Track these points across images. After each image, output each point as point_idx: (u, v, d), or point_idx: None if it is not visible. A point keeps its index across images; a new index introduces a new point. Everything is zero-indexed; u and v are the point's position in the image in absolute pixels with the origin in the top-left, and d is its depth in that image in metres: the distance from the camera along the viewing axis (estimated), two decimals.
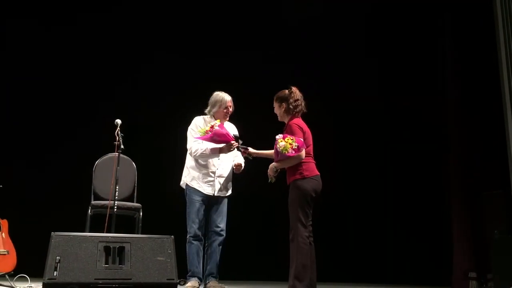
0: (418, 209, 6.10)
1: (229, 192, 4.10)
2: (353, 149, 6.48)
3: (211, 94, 4.16)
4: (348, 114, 6.43)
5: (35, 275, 4.00)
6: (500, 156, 4.92)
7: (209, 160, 4.01)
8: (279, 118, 3.78)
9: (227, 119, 4.12)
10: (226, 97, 4.08)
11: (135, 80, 6.01)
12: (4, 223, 4.05)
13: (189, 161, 4.08)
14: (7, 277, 3.96)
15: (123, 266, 3.31)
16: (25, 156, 5.50)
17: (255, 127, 4.94)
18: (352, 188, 6.43)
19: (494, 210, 4.85)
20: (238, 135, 4.02)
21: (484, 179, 5.07)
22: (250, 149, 3.94)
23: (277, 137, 3.54)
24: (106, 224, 3.81)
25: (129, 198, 4.42)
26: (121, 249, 3.36)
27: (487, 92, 5.18)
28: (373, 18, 6.29)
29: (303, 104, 3.70)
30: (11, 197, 4.31)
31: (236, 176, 4.17)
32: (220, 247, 3.99)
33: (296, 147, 3.46)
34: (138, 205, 4.33)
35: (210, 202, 4.01)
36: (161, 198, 5.46)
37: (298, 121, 3.66)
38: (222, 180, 4.03)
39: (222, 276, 4.09)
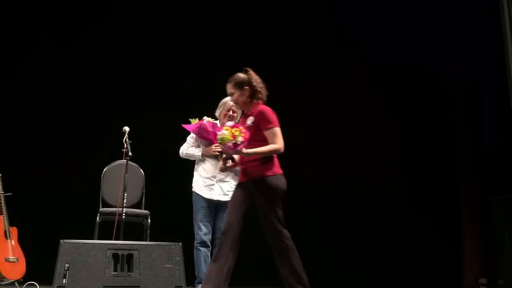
0: (428, 213, 6.07)
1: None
2: (361, 149, 6.45)
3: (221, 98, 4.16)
4: (352, 112, 6.39)
5: (44, 282, 4.02)
6: (511, 160, 4.88)
7: (210, 164, 3.98)
8: (239, 107, 3.36)
9: (227, 122, 4.06)
10: (230, 100, 4.08)
11: (143, 87, 6.03)
12: (14, 230, 4.07)
13: (195, 166, 4.10)
14: (17, 284, 3.98)
15: (131, 273, 3.33)
16: (34, 164, 5.53)
17: None
18: (362, 189, 6.39)
19: (505, 215, 4.81)
20: None
21: (495, 183, 5.03)
22: (231, 162, 3.49)
23: (228, 123, 3.13)
24: (114, 231, 3.82)
25: (137, 205, 4.43)
26: (130, 257, 3.37)
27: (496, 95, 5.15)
28: None
29: (265, 88, 3.27)
30: (20, 205, 4.33)
31: None
32: None
33: (239, 143, 2.97)
34: (146, 212, 4.33)
35: (216, 207, 3.99)
36: (169, 205, 5.47)
37: (269, 108, 3.20)
38: (223, 184, 3.97)
39: (231, 282, 4.07)
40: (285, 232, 3.10)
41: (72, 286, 3.17)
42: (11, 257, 3.95)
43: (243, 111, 3.39)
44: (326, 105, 6.34)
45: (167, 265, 3.39)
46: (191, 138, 4.11)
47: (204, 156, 4.02)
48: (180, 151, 4.10)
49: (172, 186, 5.45)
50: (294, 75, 6.20)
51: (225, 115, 4.04)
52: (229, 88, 3.26)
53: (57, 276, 3.17)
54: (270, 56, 6.06)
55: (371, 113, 6.41)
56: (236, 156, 3.28)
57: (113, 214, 4.01)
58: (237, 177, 3.99)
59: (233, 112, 4.01)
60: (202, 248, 3.90)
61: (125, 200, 3.91)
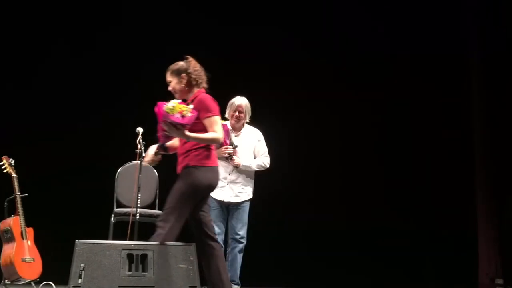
0: (443, 213, 6.03)
1: (243, 198, 4.01)
2: (374, 148, 6.43)
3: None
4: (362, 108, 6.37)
5: (60, 282, 4.06)
6: None
7: (221, 166, 3.97)
8: (177, 96, 3.24)
9: (240, 123, 4.08)
10: (236, 101, 4.07)
11: (156, 88, 6.05)
12: (30, 231, 4.12)
13: None
14: (33, 284, 4.03)
15: (146, 273, 3.33)
16: (49, 166, 5.59)
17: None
18: (377, 188, 6.37)
19: None
20: (232, 142, 4.01)
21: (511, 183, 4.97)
22: (237, 162, 3.84)
23: (175, 100, 3.00)
24: (128, 232, 3.85)
25: (151, 206, 4.46)
26: (144, 257, 3.38)
27: None
28: None
29: (205, 76, 3.21)
30: (36, 206, 4.38)
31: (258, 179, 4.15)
32: (241, 254, 3.97)
33: (188, 116, 2.87)
34: (160, 212, 4.35)
35: (229, 208, 4.00)
36: None
37: (209, 96, 3.12)
38: (234, 186, 3.99)
39: (245, 283, 4.08)
40: (176, 227, 3.05)
41: (88, 286, 3.18)
42: (28, 257, 4.01)
43: (185, 100, 3.24)
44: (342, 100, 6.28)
45: (181, 265, 3.38)
46: None
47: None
48: None
49: None
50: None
51: (232, 116, 4.06)
52: (167, 76, 3.21)
53: (72, 276, 3.18)
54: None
55: (382, 112, 6.39)
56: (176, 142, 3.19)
57: (127, 214, 4.05)
58: (249, 179, 4.01)
59: (240, 112, 4.02)
60: None
61: (139, 200, 3.94)
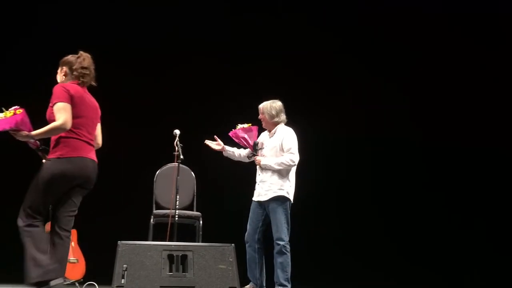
0: (486, 214, 5.93)
1: (269, 196, 3.94)
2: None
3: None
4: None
5: (102, 282, 4.17)
6: None
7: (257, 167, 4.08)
8: None
9: (266, 125, 4.13)
10: (259, 105, 4.15)
11: (190, 89, 6.14)
12: (73, 232, 4.23)
13: None
14: (77, 284, 4.14)
15: (186, 274, 3.39)
16: None
17: None
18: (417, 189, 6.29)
19: None
20: (257, 143, 4.09)
21: None
22: (257, 159, 3.99)
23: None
24: (168, 233, 3.91)
25: (189, 207, 4.51)
26: (184, 257, 3.43)
27: None
28: None
29: (92, 75, 3.09)
30: (79, 209, 4.49)
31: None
32: (280, 255, 3.86)
33: (8, 119, 2.72)
34: (198, 213, 4.41)
35: (266, 209, 4.01)
36: (220, 207, 5.53)
37: (71, 85, 2.97)
38: (263, 184, 3.99)
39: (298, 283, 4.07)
40: (25, 219, 2.88)
41: (131, 286, 3.26)
42: (72, 258, 4.12)
43: None
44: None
45: (221, 266, 3.43)
46: None
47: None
48: None
49: (221, 187, 5.54)
50: None
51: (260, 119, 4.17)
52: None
53: (116, 276, 3.27)
54: None
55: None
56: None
57: (166, 216, 4.11)
58: (276, 177, 3.99)
59: (261, 114, 4.10)
60: (248, 248, 3.99)
61: (177, 202, 3.99)
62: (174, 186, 4.02)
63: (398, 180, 6.16)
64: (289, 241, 3.92)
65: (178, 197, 3.99)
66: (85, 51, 3.12)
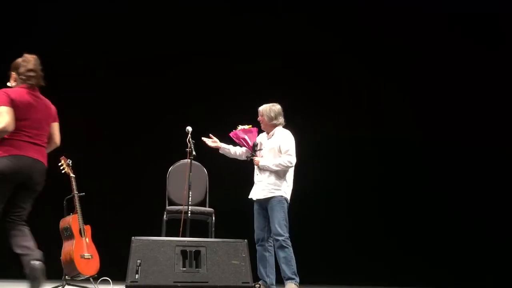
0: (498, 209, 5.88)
1: (266, 195, 4.06)
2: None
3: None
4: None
5: (115, 278, 4.21)
6: None
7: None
8: None
9: (264, 127, 4.23)
10: (259, 108, 4.24)
11: (203, 86, 6.17)
12: (88, 228, 4.26)
13: None
14: (92, 280, 4.17)
15: (199, 269, 3.41)
16: (104, 167, 5.80)
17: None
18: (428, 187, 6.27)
19: None
20: (256, 144, 4.20)
21: None
22: (256, 160, 4.09)
23: None
24: (181, 229, 3.93)
25: (202, 203, 4.54)
26: (197, 253, 3.45)
27: None
28: None
29: (39, 76, 3.08)
30: (93, 205, 4.55)
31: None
32: (281, 250, 3.96)
33: None
34: (211, 209, 4.43)
35: (265, 207, 4.10)
36: (232, 203, 5.55)
37: (13, 90, 3.02)
38: (260, 184, 4.12)
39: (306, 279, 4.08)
40: None
41: (144, 281, 3.28)
42: (86, 254, 4.15)
43: None
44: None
45: (234, 262, 3.44)
46: None
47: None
48: None
49: (233, 184, 5.55)
50: None
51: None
52: None
53: (130, 272, 3.29)
54: None
55: None
56: None
57: (179, 212, 4.13)
58: (273, 178, 4.06)
59: (261, 116, 4.20)
60: (258, 247, 4.09)
61: (190, 198, 4.02)
62: (186, 183, 4.04)
63: (398, 180, 6.21)
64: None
65: (190, 193, 4.01)
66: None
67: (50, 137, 3.16)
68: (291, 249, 3.97)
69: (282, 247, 3.95)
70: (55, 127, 3.21)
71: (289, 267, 3.93)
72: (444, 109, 6.32)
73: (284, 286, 3.95)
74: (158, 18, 6.23)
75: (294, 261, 3.96)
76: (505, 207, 6.15)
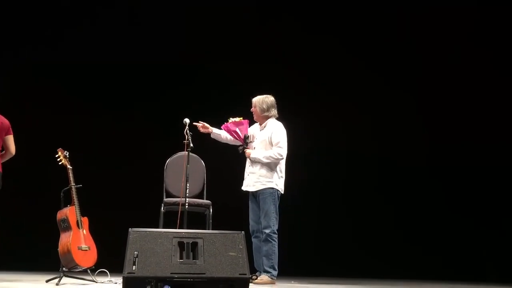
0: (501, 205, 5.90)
1: (258, 187, 4.14)
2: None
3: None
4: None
5: (113, 270, 4.21)
6: None
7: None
8: None
9: (257, 118, 4.29)
10: (253, 99, 4.29)
11: (201, 78, 6.17)
12: (85, 220, 4.26)
13: None
14: (89, 271, 4.18)
15: (196, 261, 3.40)
16: (101, 159, 5.80)
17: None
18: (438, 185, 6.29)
19: None
20: (247, 136, 4.23)
21: None
22: (247, 152, 4.15)
23: None
24: (178, 220, 3.94)
25: (199, 195, 4.54)
26: (194, 245, 3.44)
27: None
28: None
29: None
30: (90, 196, 4.55)
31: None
32: (266, 243, 4.04)
33: None
34: (208, 202, 4.44)
35: (256, 199, 4.15)
36: (229, 195, 5.55)
37: None
38: (253, 176, 4.17)
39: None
40: None
41: (142, 273, 3.27)
42: (84, 246, 4.15)
43: None
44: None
45: (231, 253, 3.43)
46: None
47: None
48: None
49: (230, 176, 5.55)
50: None
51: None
52: None
53: (127, 263, 3.28)
54: None
55: None
56: None
57: (176, 204, 4.13)
58: (264, 170, 4.08)
59: (254, 107, 4.27)
60: (252, 239, 4.16)
61: (187, 190, 4.02)
62: (184, 175, 4.04)
63: (395, 171, 6.27)
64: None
65: (188, 185, 4.01)
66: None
67: (5, 148, 3.59)
68: (275, 243, 4.04)
69: (266, 240, 4.03)
70: (9, 139, 3.65)
71: (269, 261, 4.02)
72: (444, 107, 6.33)
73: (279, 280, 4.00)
74: (158, 18, 6.21)
75: (276, 256, 4.03)
76: (505, 205, 6.14)
